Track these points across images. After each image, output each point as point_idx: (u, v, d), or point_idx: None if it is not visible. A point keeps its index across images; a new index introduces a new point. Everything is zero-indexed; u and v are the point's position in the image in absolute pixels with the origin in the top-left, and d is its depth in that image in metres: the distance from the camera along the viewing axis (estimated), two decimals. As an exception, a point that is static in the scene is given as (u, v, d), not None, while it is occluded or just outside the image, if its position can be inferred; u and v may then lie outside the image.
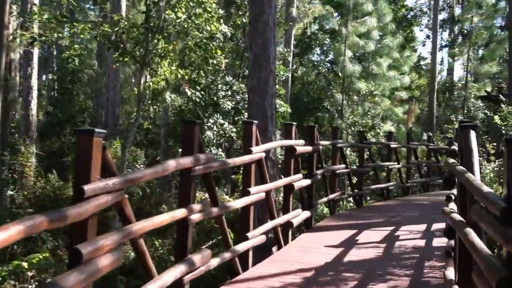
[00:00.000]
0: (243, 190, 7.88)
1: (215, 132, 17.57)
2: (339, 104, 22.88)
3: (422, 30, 44.65)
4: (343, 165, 13.82)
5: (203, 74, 15.02)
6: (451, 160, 5.67)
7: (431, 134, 19.72)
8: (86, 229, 4.04)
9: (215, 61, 15.13)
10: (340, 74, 23.47)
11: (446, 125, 27.92)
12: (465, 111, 26.87)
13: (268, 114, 10.60)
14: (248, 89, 10.93)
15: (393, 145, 17.09)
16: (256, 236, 7.98)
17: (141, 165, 20.60)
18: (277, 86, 23.51)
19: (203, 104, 17.60)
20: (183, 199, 5.97)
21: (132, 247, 5.12)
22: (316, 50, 34.20)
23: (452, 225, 5.13)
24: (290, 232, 9.78)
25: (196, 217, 6.02)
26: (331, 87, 26.33)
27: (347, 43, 22.38)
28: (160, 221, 5.18)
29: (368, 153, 16.12)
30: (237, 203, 7.50)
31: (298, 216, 10.03)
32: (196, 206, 6.04)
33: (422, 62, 42.64)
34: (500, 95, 24.03)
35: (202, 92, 17.31)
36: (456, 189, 8.04)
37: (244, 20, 18.98)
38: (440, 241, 10.06)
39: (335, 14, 26.82)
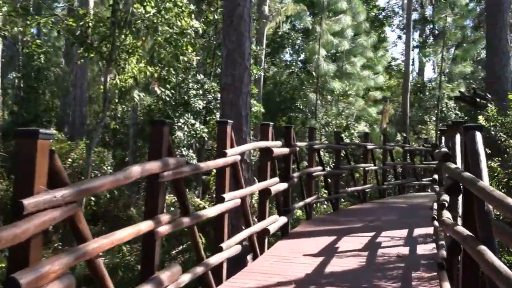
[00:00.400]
0: (217, 196, 7.14)
1: (186, 133, 16.79)
2: (313, 104, 22.28)
3: (394, 31, 44.24)
4: (319, 167, 13.18)
5: (173, 72, 14.23)
6: (452, 165, 5.00)
7: (406, 135, 19.25)
8: (28, 253, 3.27)
9: (185, 58, 14.37)
10: (314, 73, 22.87)
11: (420, 126, 27.59)
12: (437, 112, 26.52)
13: (242, 114, 9.88)
14: (221, 86, 10.20)
15: (370, 146, 16.53)
16: (231, 247, 7.26)
17: (109, 167, 19.68)
18: (250, 85, 22.89)
19: (173, 103, 16.81)
20: (150, 209, 5.22)
21: (88, 269, 4.33)
22: (288, 50, 33.60)
23: (458, 240, 4.45)
24: (266, 240, 9.09)
25: (164, 229, 5.28)
26: (304, 87, 25.75)
27: (321, 42, 21.79)
28: (122, 237, 4.42)
29: (344, 154, 15.57)
30: (211, 211, 6.76)
31: (275, 222, 9.33)
32: (164, 217, 5.30)
33: (393, 63, 42.41)
34: (476, 98, 23.75)
35: (172, 91, 16.50)
36: (444, 195, 7.51)
37: (216, 17, 18.24)
38: (424, 249, 9.51)
39: (308, 13, 26.18)
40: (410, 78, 45.32)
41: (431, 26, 39.82)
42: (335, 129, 22.18)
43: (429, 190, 21.01)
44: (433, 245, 9.64)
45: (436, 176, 10.96)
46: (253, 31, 31.12)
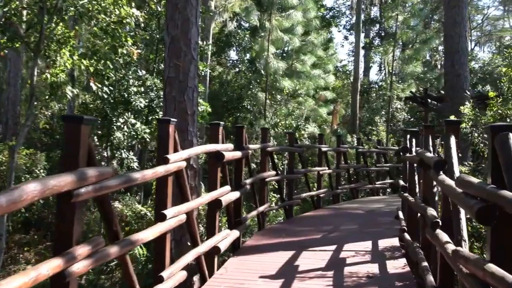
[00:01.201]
0: (157, 213, 5.66)
1: (126, 133, 15.16)
2: (262, 104, 20.97)
3: (341, 31, 43.50)
4: (273, 172, 11.85)
5: (111, 66, 12.58)
6: (473, 180, 3.68)
7: (359, 137, 18.18)
8: None
9: (124, 51, 12.73)
10: (262, 71, 21.55)
11: (369, 127, 26.72)
12: (388, 113, 25.69)
13: (188, 112, 8.40)
14: (164, 80, 8.70)
15: (324, 148, 15.33)
16: (174, 274, 5.79)
17: (42, 170, 17.77)
18: (195, 83, 21.36)
19: (112, 101, 15.13)
20: (60, 242, 3.71)
21: None
22: (235, 49, 32.21)
23: (495, 284, 3.10)
24: (216, 259, 7.66)
25: (80, 267, 3.78)
26: (251, 86, 24.42)
27: (270, 38, 20.49)
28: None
29: (298, 157, 14.34)
30: (149, 234, 5.26)
31: (226, 238, 7.91)
32: (81, 250, 3.79)
33: (338, 64, 41.68)
34: (427, 98, 22.98)
35: (111, 88, 14.82)
36: (431, 210, 6.29)
37: (160, 9, 16.63)
38: (395, 265, 8.29)
39: (256, 10, 24.84)
40: (352, 80, 45.01)
41: (378, 27, 39.27)
42: (285, 130, 20.95)
43: (381, 194, 20.04)
44: (403, 260, 8.48)
45: (401, 182, 9.82)
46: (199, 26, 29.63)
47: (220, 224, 12.66)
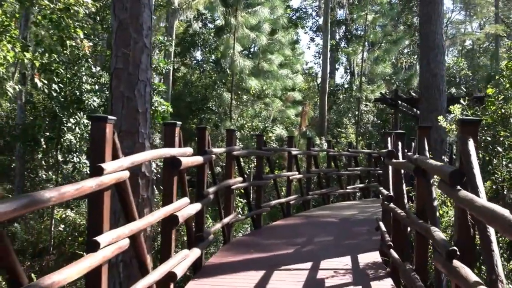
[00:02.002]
0: (88, 240, 4.24)
1: (78, 135, 13.60)
2: (227, 104, 19.59)
3: (307, 33, 42.42)
4: (240, 178, 10.47)
5: (57, 60, 11.04)
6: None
7: (330, 139, 16.96)
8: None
9: (73, 43, 11.19)
10: (228, 70, 20.15)
11: (338, 129, 25.58)
12: (357, 114, 24.57)
13: (139, 110, 6.96)
14: (110, 73, 7.25)
15: (295, 151, 14.03)
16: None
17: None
18: (156, 81, 19.82)
19: (63, 99, 13.52)
20: None
21: None
22: (200, 48, 30.75)
23: None
24: (172, 285, 6.24)
25: None
26: (217, 86, 23.02)
27: (236, 36, 19.11)
28: None
29: (266, 161, 13.01)
30: (73, 272, 3.79)
31: (184, 260, 6.48)
32: None
33: (304, 66, 40.61)
34: (398, 99, 21.95)
35: (61, 85, 13.22)
36: (438, 232, 5.01)
37: None
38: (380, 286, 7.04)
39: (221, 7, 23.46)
40: (320, 81, 43.97)
41: (344, 28, 38.31)
42: (251, 132, 19.62)
43: (352, 199, 18.86)
44: (390, 281, 7.23)
45: (383, 190, 8.56)
46: (162, 24, 28.12)
47: (180, 240, 11.22)
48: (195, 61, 30.35)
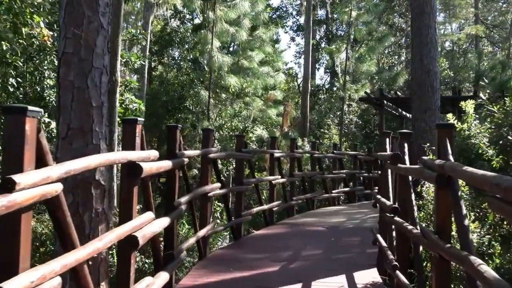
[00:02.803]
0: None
1: (39, 135, 12.05)
2: (205, 103, 18.20)
3: (287, 32, 41.17)
4: (217, 184, 9.11)
5: (9, 49, 9.57)
6: None
7: (315, 140, 15.66)
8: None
9: (30, 32, 9.72)
10: (206, 67, 18.75)
11: (321, 130, 24.32)
12: (341, 115, 23.31)
13: (93, 104, 5.55)
14: (58, 58, 5.84)
15: (277, 153, 12.72)
16: None
17: None
18: (127, 77, 18.35)
19: (21, 96, 12.05)
20: None
21: None
22: (178, 46, 29.26)
23: None
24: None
25: None
26: (194, 84, 21.60)
27: (215, 31, 17.72)
28: None
29: (247, 164, 11.68)
30: None
31: (147, 291, 5.10)
32: None
33: (285, 67, 39.35)
34: (383, 99, 20.78)
35: (19, 79, 11.72)
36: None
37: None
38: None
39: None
40: (300, 82, 42.74)
41: (325, 27, 37.15)
42: (231, 133, 18.28)
43: (336, 203, 17.61)
44: (396, 309, 5.94)
45: (383, 200, 7.29)
46: (139, 23, 26.62)
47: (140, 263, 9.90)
48: (172, 59, 28.82)
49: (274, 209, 12.38)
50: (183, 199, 6.97)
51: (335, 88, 40.23)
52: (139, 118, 5.08)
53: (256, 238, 10.68)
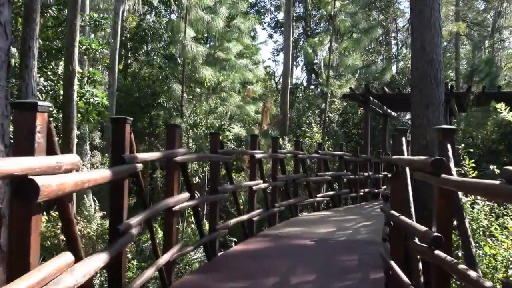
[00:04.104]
0: None
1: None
2: (178, 98, 16.08)
3: (265, 29, 39.15)
4: (185, 195, 7.03)
5: None
6: None
7: (299, 139, 13.63)
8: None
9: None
10: (179, 59, 16.64)
11: (302, 128, 22.34)
12: (325, 112, 21.34)
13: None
14: None
15: (259, 154, 10.69)
16: None
17: None
18: (90, 69, 16.16)
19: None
20: None
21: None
22: (151, 40, 27.08)
23: None
24: None
25: None
26: (168, 80, 19.51)
27: (188, 18, 15.59)
28: None
29: (223, 167, 9.59)
30: None
31: None
32: None
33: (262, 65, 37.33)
34: (369, 95, 18.93)
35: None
36: None
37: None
38: None
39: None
40: (277, 79, 40.87)
41: (304, 23, 35.22)
42: (206, 131, 16.21)
43: (325, 208, 15.67)
44: None
45: (418, 226, 5.34)
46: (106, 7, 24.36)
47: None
48: (146, 55, 26.63)
49: (254, 218, 10.34)
50: (134, 220, 4.90)
51: (312, 87, 38.48)
52: (40, 103, 2.97)
53: (233, 257, 8.60)
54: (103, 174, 3.93)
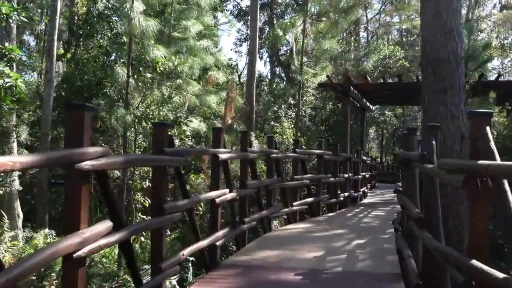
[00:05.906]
0: None
1: None
2: (123, 85, 13.07)
3: (227, 17, 36.21)
4: (106, 224, 4.11)
5: None
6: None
7: (274, 137, 10.88)
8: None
9: None
10: (124, 37, 13.65)
11: (272, 123, 19.60)
12: (298, 105, 18.61)
13: None
14: None
15: (224, 154, 7.83)
16: None
17: None
18: (7, 44, 12.93)
19: None
20: None
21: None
22: (104, 31, 23.86)
23: None
24: None
25: None
26: (117, 65, 16.48)
27: (136, -13, 12.55)
28: None
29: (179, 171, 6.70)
30: None
31: None
32: None
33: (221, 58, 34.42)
34: (349, 85, 16.34)
35: None
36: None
37: None
38: None
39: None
40: (240, 72, 38.20)
41: (269, 10, 32.54)
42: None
43: (304, 222, 12.95)
44: None
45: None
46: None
47: None
48: (93, 41, 23.38)
49: (218, 243, 7.49)
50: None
51: (278, 79, 35.78)
52: None
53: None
54: None
